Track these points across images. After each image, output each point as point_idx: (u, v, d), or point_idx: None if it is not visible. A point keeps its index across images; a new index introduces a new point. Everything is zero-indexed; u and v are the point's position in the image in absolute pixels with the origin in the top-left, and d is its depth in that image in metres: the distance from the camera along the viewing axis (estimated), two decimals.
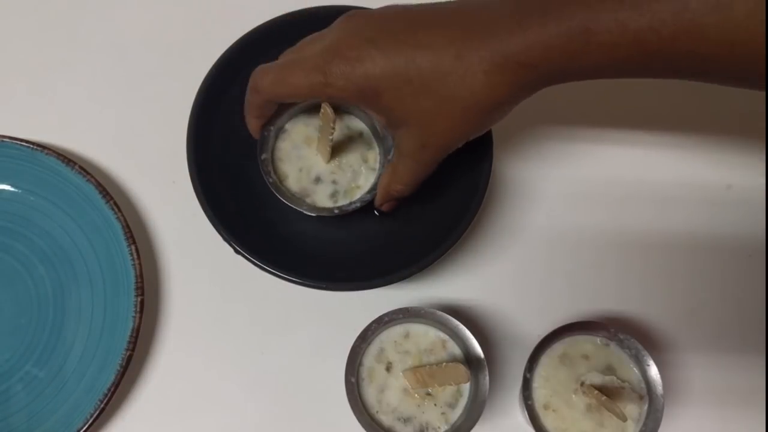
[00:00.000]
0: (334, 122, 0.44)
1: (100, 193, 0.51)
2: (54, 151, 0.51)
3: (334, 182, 0.49)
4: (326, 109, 0.43)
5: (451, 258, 0.53)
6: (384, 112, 0.43)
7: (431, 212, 0.52)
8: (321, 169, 0.49)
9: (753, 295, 0.54)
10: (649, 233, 0.55)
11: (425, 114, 0.40)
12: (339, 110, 0.49)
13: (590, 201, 0.55)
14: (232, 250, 0.47)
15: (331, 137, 0.46)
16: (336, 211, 0.47)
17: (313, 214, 0.47)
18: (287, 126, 0.49)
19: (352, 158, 0.49)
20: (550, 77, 0.38)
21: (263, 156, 0.48)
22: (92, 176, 0.51)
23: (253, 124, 0.48)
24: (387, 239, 0.52)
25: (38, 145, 0.51)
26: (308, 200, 0.48)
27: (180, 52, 0.58)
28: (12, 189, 0.52)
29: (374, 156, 0.49)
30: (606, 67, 0.36)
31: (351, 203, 0.47)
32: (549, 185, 0.55)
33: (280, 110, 0.48)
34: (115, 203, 0.51)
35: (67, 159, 0.51)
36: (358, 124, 0.50)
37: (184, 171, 0.48)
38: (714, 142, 0.57)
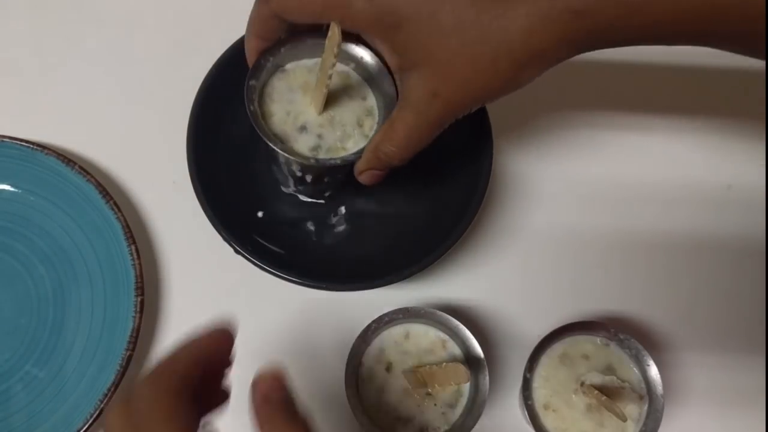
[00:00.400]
0: (338, 48, 0.37)
1: (100, 193, 0.51)
2: (54, 151, 0.51)
3: (319, 136, 0.43)
4: (335, 30, 0.37)
5: (451, 258, 0.53)
6: (399, 49, 0.37)
7: (431, 212, 0.52)
8: (310, 118, 0.44)
9: (753, 295, 0.54)
10: (648, 233, 0.55)
11: (446, 54, 0.35)
12: (347, 57, 0.43)
13: (590, 201, 0.55)
14: (232, 250, 0.47)
15: (330, 73, 0.39)
16: (312, 161, 0.42)
17: (286, 155, 0.41)
18: (288, 66, 0.44)
19: (346, 117, 0.44)
20: (598, 34, 0.34)
21: (251, 82, 0.42)
22: (92, 176, 0.51)
23: (252, 44, 0.41)
24: (387, 239, 0.52)
25: (38, 144, 0.51)
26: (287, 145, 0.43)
27: (180, 52, 0.58)
28: (12, 189, 0.52)
29: (371, 124, 0.44)
30: (662, 26, 0.33)
31: (331, 159, 0.42)
32: (549, 185, 0.55)
33: (283, 43, 0.42)
34: (115, 203, 0.51)
35: (67, 159, 0.51)
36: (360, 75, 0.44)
37: (184, 171, 0.48)
38: (715, 142, 0.57)
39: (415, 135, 0.38)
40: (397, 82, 0.40)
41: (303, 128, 0.43)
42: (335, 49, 0.37)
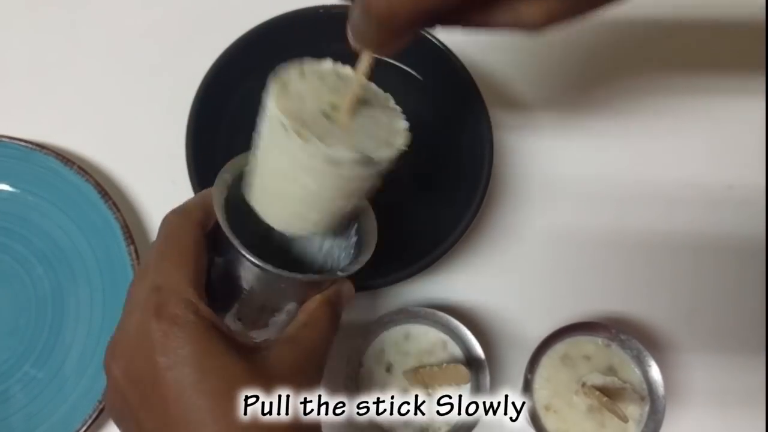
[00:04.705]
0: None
1: (99, 193, 0.50)
2: (52, 151, 0.51)
3: None
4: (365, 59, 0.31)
5: (451, 258, 0.53)
6: None
7: (431, 212, 0.51)
8: None
9: (754, 296, 0.53)
10: (650, 233, 0.54)
11: None
12: None
13: (591, 201, 0.55)
14: None
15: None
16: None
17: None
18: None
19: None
20: None
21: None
22: (91, 176, 0.51)
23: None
24: (387, 239, 0.51)
25: (36, 144, 0.51)
26: None
27: (179, 52, 0.57)
28: (10, 189, 0.52)
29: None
30: None
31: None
32: (550, 185, 0.55)
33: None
34: (114, 203, 0.50)
35: (66, 159, 0.51)
36: None
37: (183, 171, 0.48)
38: (715, 142, 0.57)
39: None
40: None
41: None
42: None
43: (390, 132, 0.34)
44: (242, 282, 0.36)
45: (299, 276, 0.34)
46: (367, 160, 0.31)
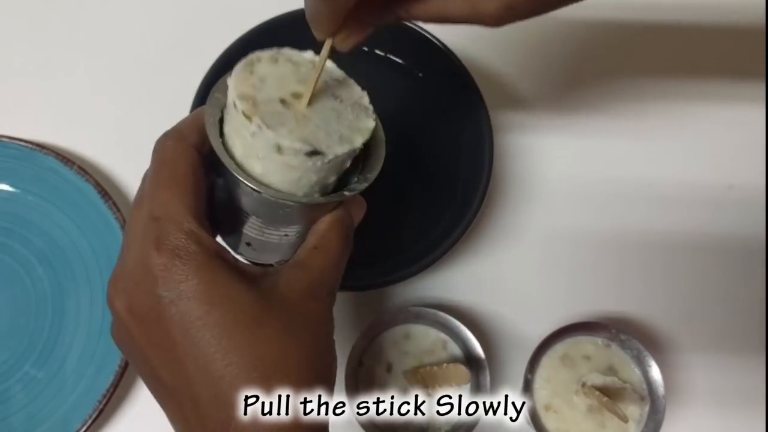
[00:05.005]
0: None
1: (99, 192, 0.50)
2: (52, 151, 0.51)
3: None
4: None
5: (452, 258, 0.53)
6: None
7: (431, 212, 0.51)
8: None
9: (754, 296, 0.53)
10: (650, 233, 0.54)
11: None
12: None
13: (592, 201, 0.55)
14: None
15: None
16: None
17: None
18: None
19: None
20: None
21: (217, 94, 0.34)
22: (91, 176, 0.51)
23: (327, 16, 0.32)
24: (387, 239, 0.52)
25: (37, 144, 0.51)
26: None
27: (179, 52, 0.57)
28: (10, 189, 0.52)
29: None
30: None
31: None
32: (550, 185, 0.55)
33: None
34: (114, 203, 0.50)
35: (66, 159, 0.51)
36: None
37: None
38: (716, 142, 0.57)
39: None
40: None
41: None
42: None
43: (351, 129, 0.33)
44: (244, 206, 0.34)
45: (302, 200, 0.32)
46: (311, 152, 0.30)
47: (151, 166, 0.33)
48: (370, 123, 0.33)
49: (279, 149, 0.30)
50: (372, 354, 0.47)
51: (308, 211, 0.34)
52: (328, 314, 0.33)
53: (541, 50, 0.59)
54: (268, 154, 0.30)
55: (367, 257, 0.50)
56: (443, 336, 0.48)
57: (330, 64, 0.34)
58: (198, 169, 0.32)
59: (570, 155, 0.56)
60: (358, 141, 0.32)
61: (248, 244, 0.36)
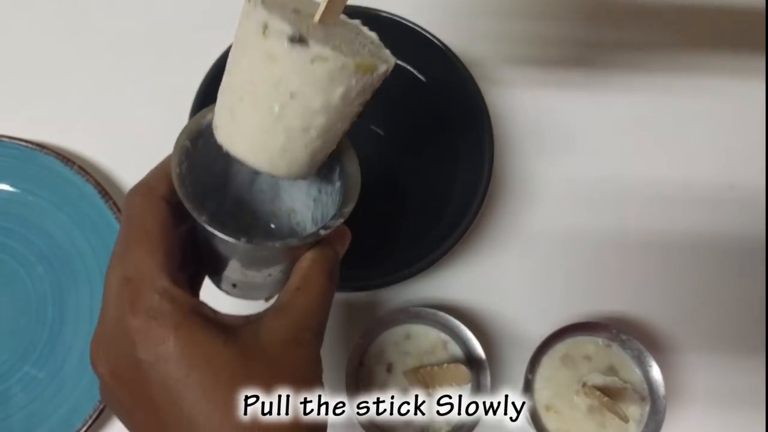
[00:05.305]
0: None
1: (99, 192, 0.50)
2: (53, 151, 0.51)
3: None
4: None
5: (452, 258, 0.53)
6: None
7: (431, 212, 0.51)
8: None
9: (755, 296, 0.53)
10: (650, 233, 0.54)
11: None
12: None
13: (592, 201, 0.55)
14: None
15: None
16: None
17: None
18: None
19: None
20: None
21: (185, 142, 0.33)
22: (91, 176, 0.51)
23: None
24: (387, 240, 0.52)
25: (37, 144, 0.51)
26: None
27: (180, 52, 0.57)
28: (11, 189, 0.52)
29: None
30: None
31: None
32: (550, 185, 0.55)
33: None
34: (114, 203, 0.50)
35: (66, 159, 0.51)
36: None
37: None
38: (716, 142, 0.57)
39: None
40: None
41: None
42: None
43: (372, 54, 0.29)
44: (222, 252, 0.33)
45: (276, 244, 0.31)
46: (295, 38, 0.26)
47: (121, 223, 0.32)
48: (391, 58, 0.30)
49: (265, 29, 0.27)
50: (372, 354, 0.47)
51: (287, 252, 0.33)
52: (315, 358, 0.32)
53: (543, 50, 0.59)
54: (285, 57, 0.27)
55: (367, 257, 0.50)
56: (444, 336, 0.48)
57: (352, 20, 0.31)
58: (167, 223, 0.32)
59: (570, 155, 0.56)
60: (390, 59, 0.29)
61: (233, 285, 0.36)
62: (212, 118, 0.33)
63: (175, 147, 0.32)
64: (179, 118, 0.49)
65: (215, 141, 0.32)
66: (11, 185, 0.52)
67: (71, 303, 0.51)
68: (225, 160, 0.33)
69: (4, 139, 0.51)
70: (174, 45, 0.58)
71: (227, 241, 0.30)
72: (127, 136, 0.55)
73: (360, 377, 0.47)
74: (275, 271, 0.35)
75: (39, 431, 0.48)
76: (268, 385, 0.29)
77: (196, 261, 0.35)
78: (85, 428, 0.47)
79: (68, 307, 0.51)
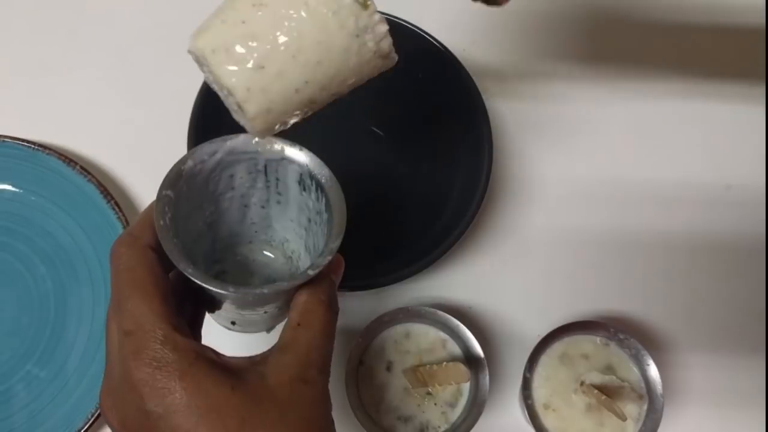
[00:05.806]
0: None
1: (101, 193, 0.51)
2: (55, 151, 0.51)
3: None
4: None
5: (451, 258, 0.53)
6: None
7: (431, 212, 0.52)
8: None
9: (753, 295, 0.54)
10: (648, 233, 0.55)
11: None
12: None
13: (590, 201, 0.55)
14: None
15: None
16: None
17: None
18: None
19: None
20: None
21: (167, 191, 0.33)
22: (93, 176, 0.51)
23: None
24: (386, 239, 0.52)
25: (39, 145, 0.51)
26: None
27: (181, 52, 0.57)
28: (13, 189, 0.52)
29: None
30: None
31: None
32: (549, 185, 0.55)
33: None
34: (116, 203, 0.51)
35: (68, 159, 0.51)
36: None
37: None
38: (714, 142, 0.57)
39: None
40: None
41: None
42: None
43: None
44: (215, 296, 0.33)
45: (264, 290, 0.31)
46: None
47: (111, 276, 0.32)
48: (393, 54, 0.32)
49: None
50: (372, 353, 0.47)
51: (280, 293, 0.32)
52: (323, 395, 0.31)
53: (543, 51, 0.59)
54: None
55: (367, 257, 0.50)
56: (443, 335, 0.48)
57: None
58: (157, 270, 0.31)
59: (569, 155, 0.56)
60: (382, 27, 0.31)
61: (233, 322, 0.36)
62: (192, 165, 0.33)
63: (157, 199, 0.32)
64: (181, 117, 0.49)
65: (198, 184, 0.32)
66: (13, 185, 0.52)
67: (73, 302, 0.51)
68: (212, 200, 0.33)
69: (6, 139, 0.51)
70: (176, 45, 0.58)
71: (216, 292, 0.30)
72: (129, 136, 0.56)
73: (360, 376, 0.47)
74: (271, 308, 0.35)
75: (41, 430, 0.48)
76: (274, 428, 0.29)
77: (193, 300, 0.35)
78: (86, 427, 0.47)
79: (70, 306, 0.51)
